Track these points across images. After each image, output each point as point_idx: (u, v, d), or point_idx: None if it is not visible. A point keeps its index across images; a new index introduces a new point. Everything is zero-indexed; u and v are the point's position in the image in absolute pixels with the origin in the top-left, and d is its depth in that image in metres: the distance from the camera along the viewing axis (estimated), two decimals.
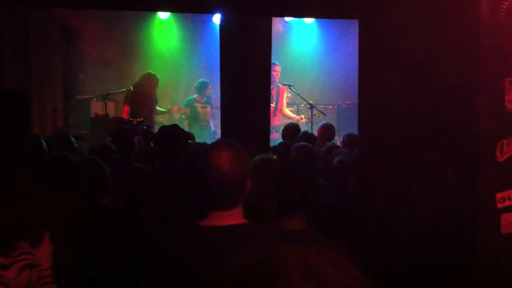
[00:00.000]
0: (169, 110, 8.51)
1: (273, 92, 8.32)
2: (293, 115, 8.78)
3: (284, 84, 8.60)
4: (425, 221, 2.79)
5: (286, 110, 8.79)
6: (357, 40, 3.33)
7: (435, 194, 2.78)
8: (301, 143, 4.73)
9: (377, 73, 3.01)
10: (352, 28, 8.43)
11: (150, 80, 7.92)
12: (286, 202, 2.47)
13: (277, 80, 8.47)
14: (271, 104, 8.16)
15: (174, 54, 9.67)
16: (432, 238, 2.76)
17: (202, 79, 8.86)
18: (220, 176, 1.94)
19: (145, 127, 6.05)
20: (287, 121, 7.70)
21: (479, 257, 2.63)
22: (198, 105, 8.62)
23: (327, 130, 6.02)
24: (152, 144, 4.55)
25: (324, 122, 7.10)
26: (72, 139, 4.81)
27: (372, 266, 2.77)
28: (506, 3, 2.69)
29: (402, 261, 2.76)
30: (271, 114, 7.69)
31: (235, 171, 1.96)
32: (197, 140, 6.72)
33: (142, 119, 7.27)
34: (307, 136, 5.49)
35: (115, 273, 2.16)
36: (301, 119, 8.47)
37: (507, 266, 2.68)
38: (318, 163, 4.57)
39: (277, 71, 8.45)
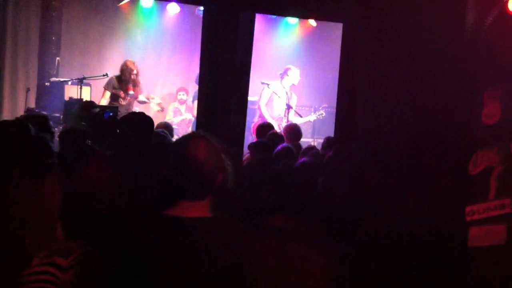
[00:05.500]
0: (147, 98, 8.42)
1: None
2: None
3: (262, 83, 8.58)
4: (419, 229, 2.80)
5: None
6: (337, 45, 3.33)
7: (430, 202, 2.79)
8: (284, 144, 4.81)
9: (360, 76, 3.01)
10: (333, 32, 8.46)
11: (129, 68, 7.84)
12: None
13: None
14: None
15: (154, 43, 9.56)
16: (426, 247, 2.77)
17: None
18: (194, 165, 1.97)
19: (111, 114, 5.93)
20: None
21: (470, 267, 2.67)
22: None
23: (293, 131, 6.05)
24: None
25: (289, 123, 7.16)
26: (50, 123, 4.71)
27: (367, 272, 2.77)
28: (490, 17, 2.72)
29: (398, 267, 2.77)
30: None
31: (210, 162, 1.99)
32: None
33: (116, 105, 7.17)
34: (276, 136, 5.57)
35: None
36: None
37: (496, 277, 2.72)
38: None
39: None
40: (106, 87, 7.75)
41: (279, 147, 4.88)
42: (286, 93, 8.53)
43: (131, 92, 7.82)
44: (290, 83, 8.62)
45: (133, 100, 7.92)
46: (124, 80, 7.76)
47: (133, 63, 7.88)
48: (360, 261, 2.82)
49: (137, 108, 8.10)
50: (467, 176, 2.74)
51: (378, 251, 2.81)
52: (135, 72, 7.84)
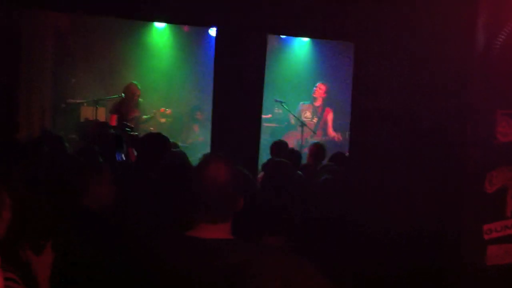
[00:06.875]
0: (154, 113, 8.55)
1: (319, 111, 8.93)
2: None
3: (276, 100, 8.64)
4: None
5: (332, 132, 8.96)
6: (348, 63, 3.35)
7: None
8: (276, 159, 4.76)
9: (372, 96, 3.02)
10: (344, 50, 8.48)
11: (131, 90, 7.96)
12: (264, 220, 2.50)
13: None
14: (312, 120, 8.56)
15: (168, 63, 9.65)
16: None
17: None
18: (215, 189, 1.97)
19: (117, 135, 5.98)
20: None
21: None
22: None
23: (317, 149, 6.03)
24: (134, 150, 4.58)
25: (315, 141, 7.17)
26: (66, 144, 4.78)
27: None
28: (503, 36, 2.72)
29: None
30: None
31: (231, 185, 1.99)
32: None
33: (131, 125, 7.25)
34: (292, 153, 5.53)
35: (98, 278, 2.13)
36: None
37: None
38: (294, 178, 4.57)
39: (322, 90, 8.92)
40: (113, 112, 7.86)
41: (268, 161, 4.81)
42: (316, 110, 8.89)
43: (135, 113, 7.93)
44: (317, 99, 8.98)
45: (137, 121, 8.01)
46: (128, 102, 7.87)
47: (136, 86, 8.02)
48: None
49: (152, 129, 8.17)
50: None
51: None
52: (138, 94, 7.98)
